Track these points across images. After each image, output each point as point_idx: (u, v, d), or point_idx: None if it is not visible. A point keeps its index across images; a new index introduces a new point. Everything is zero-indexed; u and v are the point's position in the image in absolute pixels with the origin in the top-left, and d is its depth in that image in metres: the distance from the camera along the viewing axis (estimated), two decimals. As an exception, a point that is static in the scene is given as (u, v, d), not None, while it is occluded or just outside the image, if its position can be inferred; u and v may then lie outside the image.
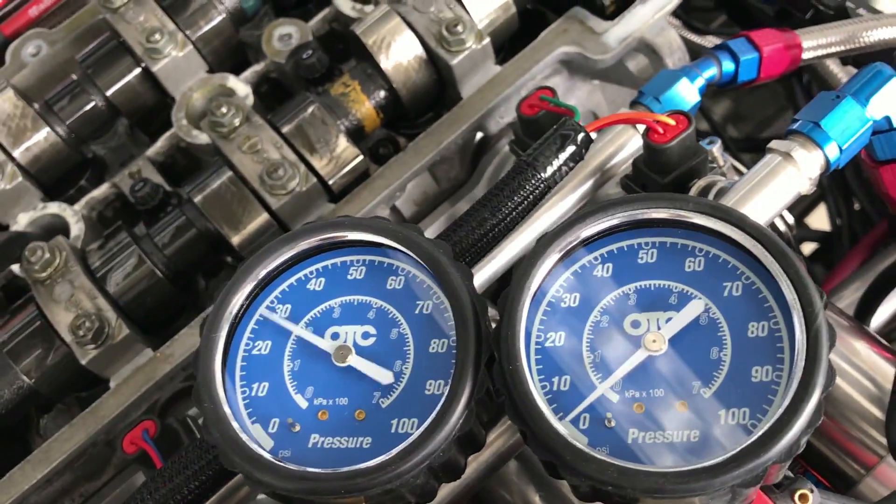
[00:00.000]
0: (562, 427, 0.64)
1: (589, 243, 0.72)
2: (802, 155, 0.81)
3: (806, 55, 1.07)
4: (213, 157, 1.18)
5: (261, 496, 1.00)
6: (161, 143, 1.24)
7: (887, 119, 0.85)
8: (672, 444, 0.63)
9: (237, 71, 1.26)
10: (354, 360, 0.72)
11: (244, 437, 0.69)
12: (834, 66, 1.42)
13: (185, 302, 1.16)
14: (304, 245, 0.75)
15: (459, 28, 1.11)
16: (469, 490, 0.76)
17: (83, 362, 1.04)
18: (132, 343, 1.06)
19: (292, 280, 0.77)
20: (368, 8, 1.22)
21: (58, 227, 1.17)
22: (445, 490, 0.74)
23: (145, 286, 1.08)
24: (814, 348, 0.61)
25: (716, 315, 0.67)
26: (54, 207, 1.18)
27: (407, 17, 1.13)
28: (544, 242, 0.70)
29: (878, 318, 1.21)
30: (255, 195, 1.09)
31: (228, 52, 1.28)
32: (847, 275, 1.38)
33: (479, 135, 1.24)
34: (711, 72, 1.01)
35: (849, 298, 1.28)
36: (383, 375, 0.71)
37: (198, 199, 1.09)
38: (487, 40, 1.14)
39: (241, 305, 0.75)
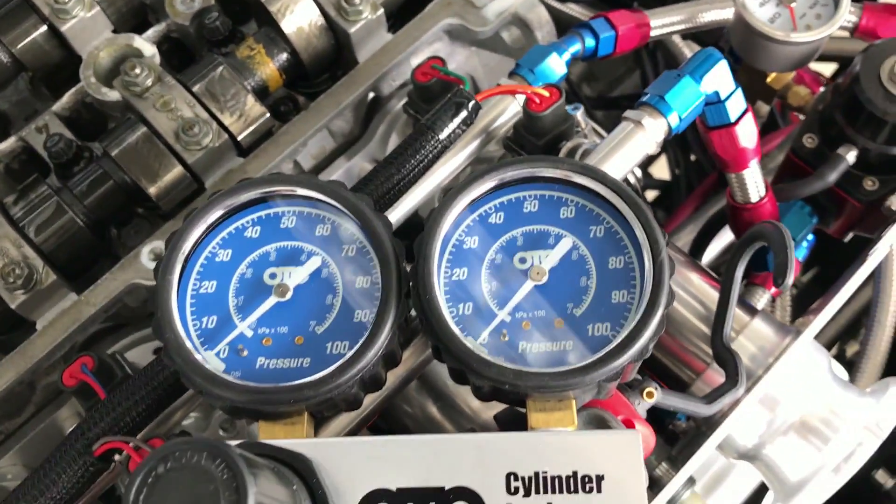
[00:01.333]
0: (468, 342, 0.80)
1: (485, 196, 0.88)
2: (650, 122, 1.00)
3: (653, 32, 1.26)
4: (122, 113, 1.26)
5: (187, 420, 1.13)
6: (67, 99, 1.29)
7: (716, 93, 1.05)
8: (552, 352, 0.81)
9: (138, 31, 1.33)
10: (292, 295, 0.86)
11: (202, 360, 0.82)
12: (676, 39, 1.64)
13: (101, 250, 1.24)
14: (245, 197, 0.87)
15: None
16: (387, 400, 0.92)
17: (13, 306, 1.11)
18: (58, 288, 1.14)
19: (232, 228, 0.89)
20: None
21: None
22: (368, 399, 0.90)
23: (68, 235, 1.16)
24: (658, 276, 0.80)
25: (584, 252, 0.85)
26: (-37, 160, 1.23)
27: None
28: (451, 195, 0.86)
29: (708, 255, 1.45)
30: (170, 150, 1.18)
31: (131, 13, 1.35)
32: (683, 219, 1.62)
33: (371, 94, 1.37)
34: (576, 47, 1.19)
35: (685, 239, 1.53)
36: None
37: (115, 152, 1.17)
38: (381, 11, 1.27)
39: (189, 251, 0.87)
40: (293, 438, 0.82)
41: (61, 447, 0.93)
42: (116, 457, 0.94)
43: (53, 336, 1.13)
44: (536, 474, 0.74)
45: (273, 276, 0.87)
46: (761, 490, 1.39)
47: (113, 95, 1.25)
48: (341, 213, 0.88)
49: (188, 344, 0.82)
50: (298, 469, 0.74)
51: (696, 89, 1.02)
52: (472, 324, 0.83)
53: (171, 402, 0.97)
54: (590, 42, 1.21)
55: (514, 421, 0.87)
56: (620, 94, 2.19)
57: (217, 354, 0.84)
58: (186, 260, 0.87)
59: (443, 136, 1.03)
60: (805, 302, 1.54)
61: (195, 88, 1.20)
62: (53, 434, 1.23)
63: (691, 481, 1.13)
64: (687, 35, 1.60)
